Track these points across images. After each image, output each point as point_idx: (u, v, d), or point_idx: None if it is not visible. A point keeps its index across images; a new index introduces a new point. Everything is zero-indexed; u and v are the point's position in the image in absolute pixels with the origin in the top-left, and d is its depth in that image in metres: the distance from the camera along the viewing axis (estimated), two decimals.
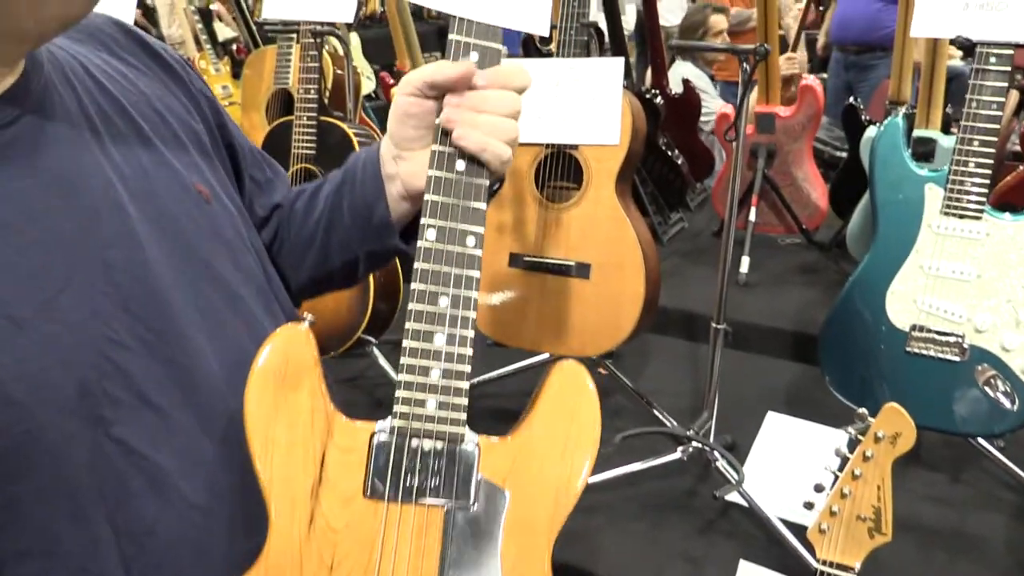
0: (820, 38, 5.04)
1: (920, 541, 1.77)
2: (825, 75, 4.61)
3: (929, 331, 1.72)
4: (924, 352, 1.73)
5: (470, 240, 0.71)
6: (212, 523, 0.73)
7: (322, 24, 2.10)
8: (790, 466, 1.99)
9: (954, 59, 2.25)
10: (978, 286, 1.67)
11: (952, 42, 1.65)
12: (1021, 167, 2.38)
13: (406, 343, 0.70)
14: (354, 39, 4.46)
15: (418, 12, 4.42)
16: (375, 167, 0.82)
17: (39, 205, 0.64)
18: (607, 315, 1.95)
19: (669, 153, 3.23)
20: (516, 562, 0.73)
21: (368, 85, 4.31)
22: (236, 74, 4.24)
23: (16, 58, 0.64)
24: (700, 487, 1.98)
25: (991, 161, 1.62)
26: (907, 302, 1.74)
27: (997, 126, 1.60)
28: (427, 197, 0.71)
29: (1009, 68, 1.58)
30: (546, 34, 0.73)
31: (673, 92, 3.38)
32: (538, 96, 1.72)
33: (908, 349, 1.74)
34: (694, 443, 2.00)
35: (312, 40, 2.11)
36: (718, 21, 3.92)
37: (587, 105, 1.73)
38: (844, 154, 3.11)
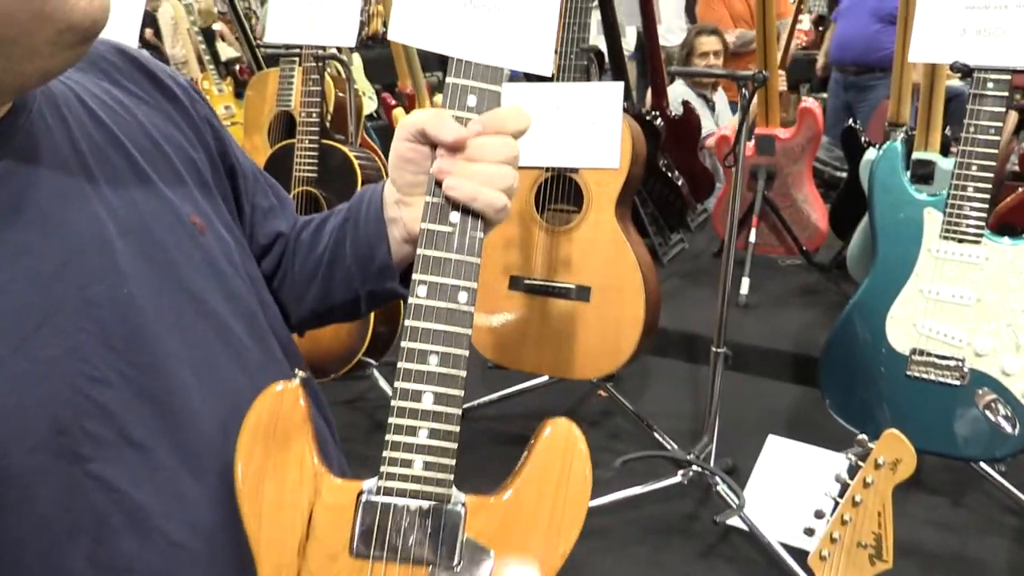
0: (819, 58, 5.07)
1: (921, 566, 1.76)
2: (824, 95, 4.65)
3: (929, 355, 1.72)
4: (924, 376, 1.73)
5: (462, 296, 0.69)
6: (194, 561, 0.71)
7: (324, 48, 2.12)
8: (791, 490, 1.98)
9: (952, 79, 2.25)
10: (978, 310, 1.67)
11: (951, 67, 1.66)
12: (1021, 188, 2.38)
13: (394, 402, 0.70)
14: (356, 59, 4.50)
15: None
16: (378, 209, 0.81)
17: (19, 244, 0.64)
18: (607, 338, 1.96)
19: (669, 174, 3.24)
20: None
21: (370, 105, 4.33)
22: (239, 94, 4.26)
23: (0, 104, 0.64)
24: (701, 511, 1.98)
25: (989, 185, 1.63)
26: (907, 326, 1.74)
27: (995, 150, 1.61)
28: (419, 251, 0.69)
29: (1006, 93, 1.58)
30: (548, 74, 0.71)
31: (673, 113, 3.40)
32: (539, 120, 1.74)
33: (908, 373, 1.74)
34: (695, 467, 2.00)
35: (314, 64, 2.13)
36: (704, 43, 3.93)
37: (587, 129, 1.74)
38: (844, 174, 3.12)
